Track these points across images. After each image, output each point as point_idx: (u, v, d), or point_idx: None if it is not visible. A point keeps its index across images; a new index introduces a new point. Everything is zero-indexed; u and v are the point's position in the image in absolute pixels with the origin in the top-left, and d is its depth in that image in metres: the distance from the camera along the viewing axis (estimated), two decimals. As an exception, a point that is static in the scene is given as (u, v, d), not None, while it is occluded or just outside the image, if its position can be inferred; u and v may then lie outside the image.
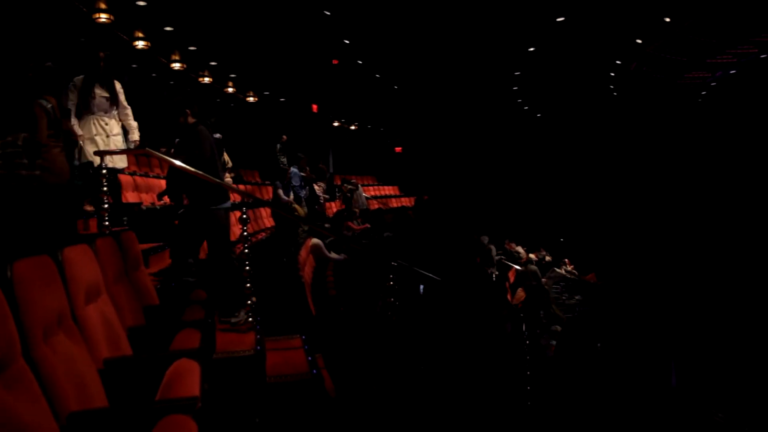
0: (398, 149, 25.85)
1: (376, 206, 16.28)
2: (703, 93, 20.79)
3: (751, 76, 18.10)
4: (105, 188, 4.50)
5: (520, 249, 16.95)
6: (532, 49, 14.82)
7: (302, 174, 10.95)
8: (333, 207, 14.70)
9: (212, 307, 3.42)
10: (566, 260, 16.96)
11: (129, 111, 5.95)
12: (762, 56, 16.81)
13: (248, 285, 4.48)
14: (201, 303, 3.30)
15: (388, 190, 22.82)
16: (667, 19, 13.81)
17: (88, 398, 1.83)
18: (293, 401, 3.70)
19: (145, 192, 9.04)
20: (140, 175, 9.58)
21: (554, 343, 8.66)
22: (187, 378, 1.85)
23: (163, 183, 10.03)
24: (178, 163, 5.40)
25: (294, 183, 10.48)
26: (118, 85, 5.83)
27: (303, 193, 10.25)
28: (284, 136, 11.33)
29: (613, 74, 18.31)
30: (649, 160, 22.28)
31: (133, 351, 2.56)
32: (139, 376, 2.15)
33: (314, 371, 3.85)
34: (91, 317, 2.24)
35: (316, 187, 11.83)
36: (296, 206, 10.12)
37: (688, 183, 20.71)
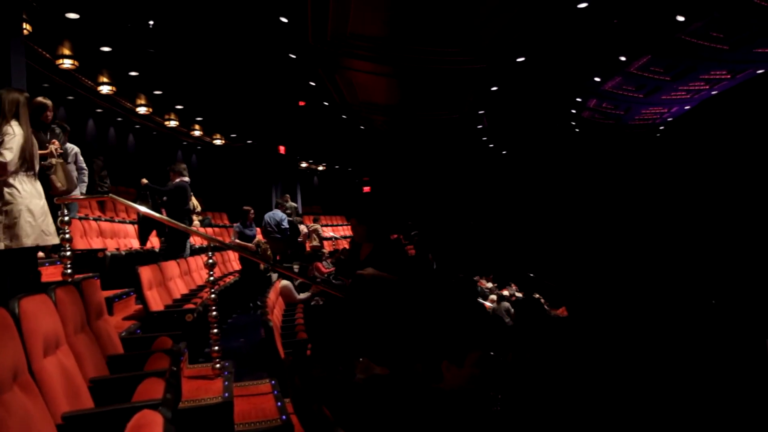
0: (367, 189, 25.99)
1: (344, 245, 16.25)
2: (661, 128, 21.50)
3: (705, 111, 18.83)
4: (67, 235, 4.42)
5: (489, 285, 17.03)
6: (494, 88, 15.18)
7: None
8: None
9: (178, 354, 3.34)
10: (536, 295, 17.06)
11: None
12: (713, 92, 17.52)
13: (215, 330, 4.40)
14: (166, 351, 3.22)
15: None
16: (623, 58, 14.35)
17: (44, 456, 1.76)
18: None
19: (110, 237, 8.88)
20: (105, 221, 9.42)
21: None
22: (149, 430, 1.79)
23: (128, 228, 9.90)
24: (143, 209, 5.36)
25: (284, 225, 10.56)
26: None
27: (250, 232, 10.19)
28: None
29: (573, 111, 18.84)
30: (613, 194, 22.80)
31: (95, 403, 2.47)
32: (100, 429, 2.08)
33: (284, 417, 3.77)
34: (49, 370, 2.17)
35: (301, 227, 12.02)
36: (263, 245, 10.07)
37: (652, 215, 21.20)
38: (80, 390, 2.41)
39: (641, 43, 13.36)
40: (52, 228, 4.05)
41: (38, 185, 4.06)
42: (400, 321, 3.69)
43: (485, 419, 2.68)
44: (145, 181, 7.30)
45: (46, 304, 2.42)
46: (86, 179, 6.75)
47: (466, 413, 2.34)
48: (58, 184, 4.45)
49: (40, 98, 5.19)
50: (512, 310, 15.78)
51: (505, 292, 16.68)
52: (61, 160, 4.85)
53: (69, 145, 6.37)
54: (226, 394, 3.75)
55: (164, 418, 1.95)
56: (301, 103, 15.92)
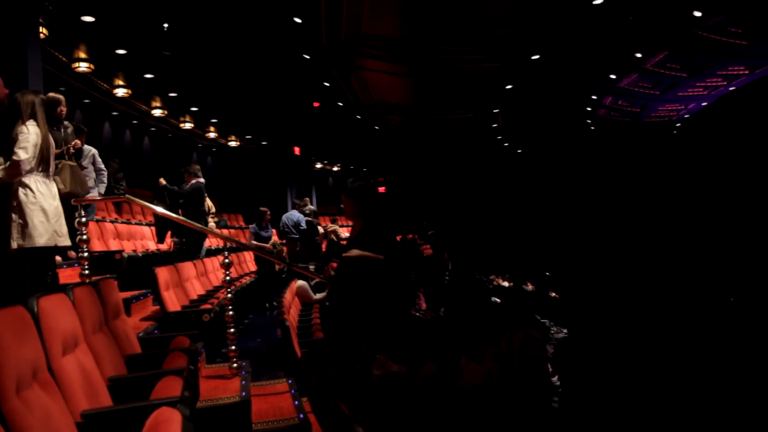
0: (382, 189, 25.98)
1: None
2: (678, 125, 21.26)
3: (723, 107, 18.57)
4: (84, 236, 4.45)
5: (506, 284, 16.95)
6: (509, 86, 15.10)
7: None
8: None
9: (195, 353, 3.34)
10: (552, 293, 16.93)
11: None
12: (731, 88, 17.27)
13: (232, 330, 4.41)
14: (183, 350, 3.23)
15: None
16: (639, 55, 14.19)
17: (64, 453, 1.77)
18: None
19: (127, 239, 8.95)
20: (122, 222, 9.50)
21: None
22: (167, 428, 1.79)
23: (144, 230, 9.97)
24: (160, 209, 5.38)
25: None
26: None
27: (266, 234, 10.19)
28: None
29: (589, 109, 18.69)
30: (630, 192, 22.58)
31: (113, 401, 2.48)
32: (118, 427, 2.09)
33: (301, 416, 3.76)
34: (68, 368, 2.18)
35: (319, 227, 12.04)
36: (280, 246, 10.10)
37: (670, 214, 20.96)
38: (99, 388, 2.42)
39: (657, 39, 13.21)
40: (64, 229, 4.09)
41: (53, 186, 4.10)
42: (387, 300, 3.68)
43: (503, 417, 2.66)
44: (163, 181, 7.33)
45: (64, 303, 2.43)
46: (105, 180, 6.80)
47: (485, 411, 2.32)
48: (61, 186, 4.47)
49: (52, 93, 5.24)
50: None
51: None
52: (72, 162, 4.86)
53: (86, 147, 6.42)
54: (244, 393, 3.76)
55: (182, 415, 1.95)
56: (316, 104, 15.94)
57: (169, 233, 8.10)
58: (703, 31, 12.75)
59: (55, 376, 2.06)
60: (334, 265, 11.48)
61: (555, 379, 6.32)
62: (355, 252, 3.68)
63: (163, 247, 8.67)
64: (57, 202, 4.05)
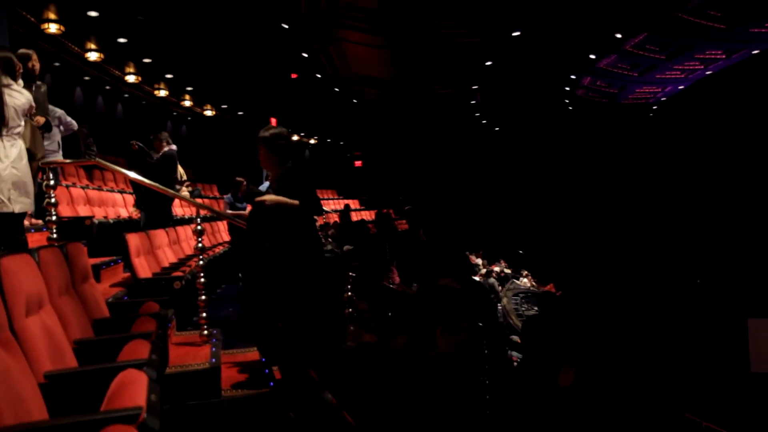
0: (358, 163, 25.88)
1: (335, 219, 16.20)
2: (654, 108, 21.48)
3: (699, 91, 18.80)
4: (53, 200, 4.36)
5: (479, 261, 17.10)
6: (489, 63, 15.05)
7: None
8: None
9: (164, 320, 3.31)
10: (525, 272, 17.15)
11: None
12: (708, 72, 17.47)
13: (203, 298, 4.38)
14: (153, 315, 3.19)
15: (348, 203, 22.80)
16: (619, 35, 14.25)
17: (25, 413, 1.73)
18: (249, 416, 3.60)
19: (98, 206, 8.79)
20: (93, 189, 9.32)
21: (514, 353, 8.71)
22: (133, 389, 1.77)
23: (116, 197, 9.80)
24: (133, 174, 5.27)
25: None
26: None
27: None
28: None
29: (567, 88, 18.76)
30: (604, 170, 22.84)
31: (79, 364, 2.44)
32: (83, 389, 2.05)
33: (271, 383, 3.77)
34: (31, 329, 2.13)
35: None
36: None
37: (642, 192, 21.28)
38: (64, 350, 2.37)
39: (638, 20, 13.25)
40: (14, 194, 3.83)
41: (10, 147, 3.86)
42: (301, 247, 3.69)
43: (474, 385, 2.69)
44: (137, 143, 7.13)
45: (29, 264, 2.37)
46: (73, 128, 6.26)
47: (456, 378, 2.34)
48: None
49: (23, 49, 5.04)
50: (497, 285, 15.86)
51: (495, 268, 16.75)
52: (34, 122, 4.62)
53: (51, 108, 6.15)
54: (213, 360, 3.74)
55: (149, 377, 1.93)
56: (294, 76, 15.72)
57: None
58: (684, 14, 12.83)
59: (18, 336, 2.02)
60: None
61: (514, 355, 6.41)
62: (270, 197, 3.65)
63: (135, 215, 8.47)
64: (6, 164, 3.80)
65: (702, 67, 16.95)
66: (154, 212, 7.09)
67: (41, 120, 4.72)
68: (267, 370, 3.95)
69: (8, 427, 1.55)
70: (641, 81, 18.10)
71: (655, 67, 16.74)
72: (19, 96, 3.92)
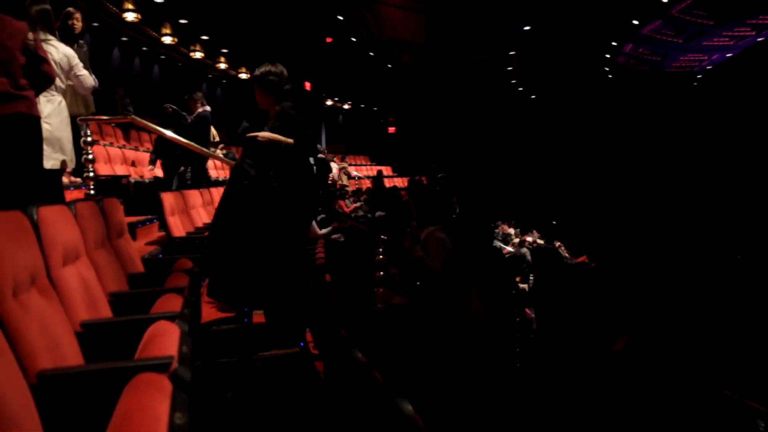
0: (392, 129, 25.70)
1: (368, 185, 16.20)
2: (699, 77, 20.73)
3: (748, 59, 18.03)
4: (90, 156, 4.41)
5: (512, 231, 16.94)
6: (527, 27, 14.67)
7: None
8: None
9: (198, 275, 3.34)
10: (558, 243, 16.95)
11: None
12: (759, 39, 16.72)
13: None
14: (186, 271, 3.22)
15: (381, 170, 22.75)
16: (664, 0, 13.71)
17: (61, 358, 1.76)
18: (280, 375, 3.64)
19: (135, 166, 8.92)
20: (130, 149, 9.45)
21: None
22: (164, 340, 1.78)
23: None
24: (169, 133, 5.30)
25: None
26: None
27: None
28: None
29: (608, 56, 18.21)
30: (643, 143, 22.26)
31: (114, 315, 2.48)
32: (117, 338, 2.09)
33: (301, 344, 3.80)
34: (68, 278, 2.16)
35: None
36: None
37: (682, 166, 20.71)
38: (99, 301, 2.41)
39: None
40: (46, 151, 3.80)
41: (47, 105, 3.84)
42: (295, 188, 3.54)
43: (504, 348, 2.67)
44: (171, 106, 7.17)
45: (65, 215, 2.39)
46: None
47: (486, 340, 2.32)
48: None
49: (69, 8, 5.00)
50: (529, 256, 15.71)
51: (528, 238, 16.59)
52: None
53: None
54: (246, 320, 3.78)
55: (180, 329, 1.95)
56: (329, 40, 15.58)
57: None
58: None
59: (55, 285, 2.05)
60: (341, 203, 11.48)
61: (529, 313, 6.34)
62: (263, 134, 3.54)
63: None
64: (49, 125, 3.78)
65: (754, 33, 16.21)
66: (196, 170, 7.17)
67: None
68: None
69: (45, 370, 1.57)
70: (686, 48, 17.45)
71: (702, 34, 16.10)
72: (55, 52, 3.91)
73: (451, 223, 4.37)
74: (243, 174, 3.50)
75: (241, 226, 3.41)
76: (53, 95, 3.88)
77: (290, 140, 3.49)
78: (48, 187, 3.99)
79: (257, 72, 3.71)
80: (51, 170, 3.88)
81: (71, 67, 4.01)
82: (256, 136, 3.49)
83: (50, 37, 3.90)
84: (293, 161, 3.55)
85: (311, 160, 9.89)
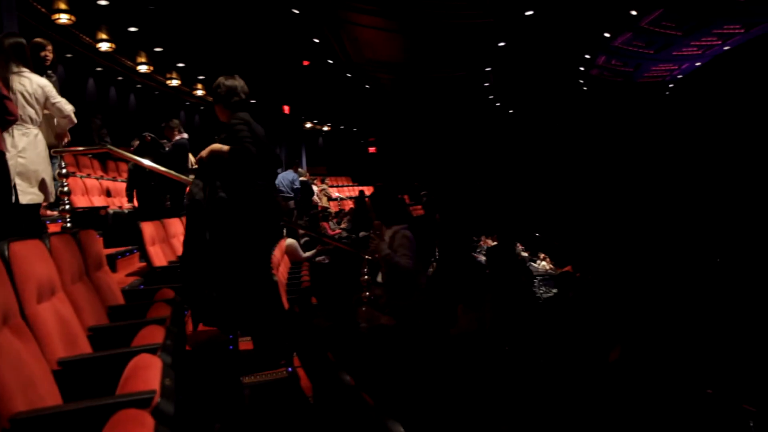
0: (372, 149, 25.77)
1: (350, 206, 16.18)
2: (671, 86, 21.11)
3: (717, 67, 18.40)
4: (65, 188, 4.33)
5: (494, 244, 16.98)
6: (502, 44, 14.85)
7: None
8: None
9: (180, 305, 3.27)
10: (543, 255, 17.01)
11: None
12: (725, 48, 17.10)
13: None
14: (167, 301, 3.16)
15: (363, 190, 22.73)
16: (634, 12, 13.96)
17: (38, 399, 1.69)
18: (268, 401, 3.57)
19: (113, 197, 8.81)
20: (108, 180, 9.34)
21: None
22: (147, 373, 1.73)
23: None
24: (147, 162, 5.24)
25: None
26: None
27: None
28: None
29: (582, 68, 18.48)
30: (619, 152, 22.53)
31: (93, 350, 2.41)
32: (97, 374, 2.02)
33: (290, 369, 3.73)
34: (43, 316, 2.10)
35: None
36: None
37: (659, 173, 20.97)
38: (78, 337, 2.34)
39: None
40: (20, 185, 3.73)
41: (18, 138, 3.78)
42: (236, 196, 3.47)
43: (495, 359, 2.64)
44: (150, 135, 7.10)
45: (39, 249, 2.33)
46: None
47: (477, 354, 2.29)
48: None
49: (38, 38, 4.95)
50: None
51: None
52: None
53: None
54: (231, 347, 3.71)
55: (163, 362, 1.89)
56: (306, 63, 15.63)
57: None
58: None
59: (30, 323, 1.98)
60: (325, 225, 11.41)
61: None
62: (205, 150, 3.51)
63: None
64: (13, 154, 3.69)
65: (720, 42, 16.59)
66: (175, 198, 7.08)
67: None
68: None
69: (20, 413, 1.51)
70: (657, 59, 17.77)
71: (671, 44, 16.41)
72: (29, 84, 3.86)
73: (413, 223, 4.46)
74: (191, 194, 3.48)
75: (202, 244, 3.37)
76: (28, 128, 3.82)
77: (226, 147, 3.47)
78: (25, 223, 3.90)
79: (222, 90, 3.73)
80: (29, 205, 3.80)
81: (47, 98, 3.96)
82: (201, 156, 3.51)
83: (24, 69, 3.86)
84: (235, 168, 3.51)
85: (297, 183, 9.86)
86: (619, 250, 16.00)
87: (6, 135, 3.65)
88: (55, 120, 4.21)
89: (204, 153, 3.47)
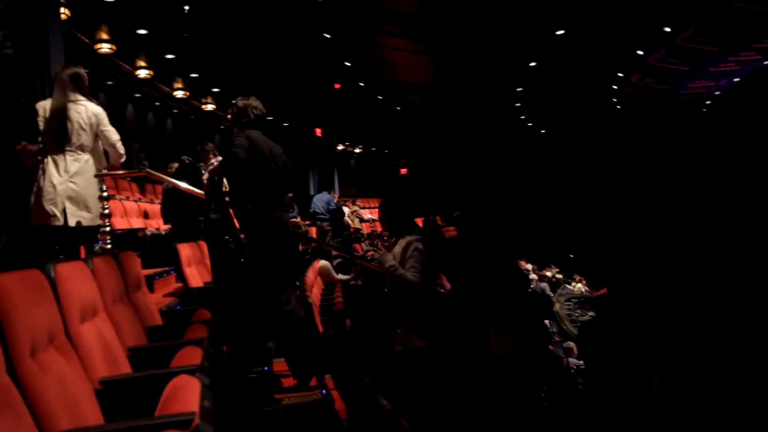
0: (404, 171, 25.83)
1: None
2: (708, 102, 20.72)
3: (758, 82, 18.00)
4: (106, 211, 4.43)
5: (529, 266, 16.79)
6: (533, 63, 14.81)
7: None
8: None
9: (217, 326, 3.31)
10: (577, 276, 16.75)
11: None
12: (766, 62, 16.74)
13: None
14: (204, 322, 3.19)
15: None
16: (668, 29, 13.80)
17: (81, 418, 1.72)
18: (303, 423, 3.57)
19: (151, 218, 8.99)
20: (146, 202, 9.55)
21: (564, 356, 8.45)
22: (186, 393, 1.74)
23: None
24: (183, 185, 5.33)
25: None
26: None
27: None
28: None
29: (615, 87, 18.29)
30: (655, 172, 22.13)
31: (133, 370, 2.45)
32: (137, 394, 2.04)
33: (324, 391, 3.73)
34: (86, 335, 2.14)
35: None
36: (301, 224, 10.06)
37: (696, 192, 20.50)
38: (118, 357, 2.38)
39: (688, 11, 12.80)
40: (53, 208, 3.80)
41: (64, 162, 3.91)
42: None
43: (529, 388, 2.58)
44: (188, 158, 7.22)
45: (83, 270, 2.39)
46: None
47: (509, 380, 2.25)
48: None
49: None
50: (548, 290, 15.49)
51: (547, 273, 16.42)
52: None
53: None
54: (266, 368, 3.73)
55: (201, 383, 1.90)
56: (337, 86, 15.81)
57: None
58: (737, 2, 12.32)
59: (73, 342, 2.02)
60: (357, 246, 11.44)
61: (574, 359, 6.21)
62: (205, 175, 3.82)
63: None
64: (65, 179, 3.84)
65: (759, 57, 16.23)
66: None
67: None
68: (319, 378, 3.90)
69: (65, 431, 1.53)
70: (693, 75, 17.48)
71: (707, 61, 16.13)
72: (84, 111, 3.99)
73: (424, 234, 4.44)
74: (206, 218, 3.72)
75: (222, 266, 3.53)
76: (80, 155, 3.95)
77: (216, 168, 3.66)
78: (71, 245, 4.02)
79: (236, 109, 3.89)
80: (79, 228, 3.92)
81: (99, 124, 4.10)
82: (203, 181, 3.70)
83: (80, 97, 4.01)
84: (227, 176, 3.69)
85: (332, 204, 9.92)
86: (658, 272, 15.61)
87: (59, 159, 3.82)
88: (103, 148, 4.33)
89: (205, 178, 3.62)
